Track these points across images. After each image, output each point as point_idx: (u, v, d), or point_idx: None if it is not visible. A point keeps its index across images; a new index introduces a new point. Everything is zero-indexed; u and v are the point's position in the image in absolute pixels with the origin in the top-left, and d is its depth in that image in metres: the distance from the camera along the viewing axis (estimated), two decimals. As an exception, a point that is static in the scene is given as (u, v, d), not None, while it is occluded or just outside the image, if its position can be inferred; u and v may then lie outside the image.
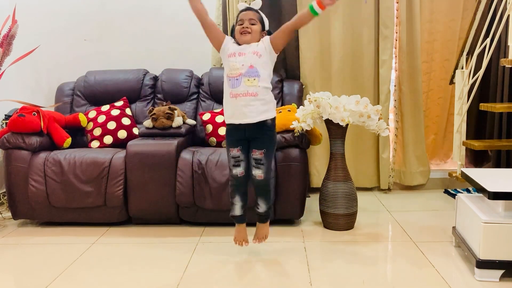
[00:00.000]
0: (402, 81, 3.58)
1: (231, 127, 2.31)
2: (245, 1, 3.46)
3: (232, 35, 2.34)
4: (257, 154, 2.28)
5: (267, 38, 2.29)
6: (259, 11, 2.32)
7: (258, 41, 2.29)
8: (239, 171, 2.32)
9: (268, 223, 2.44)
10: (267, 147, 2.29)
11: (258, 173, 2.30)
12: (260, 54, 2.24)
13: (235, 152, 2.31)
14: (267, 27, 2.33)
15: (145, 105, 3.52)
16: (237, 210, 2.39)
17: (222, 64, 3.33)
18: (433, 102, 3.72)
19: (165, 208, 2.88)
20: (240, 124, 2.26)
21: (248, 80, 2.21)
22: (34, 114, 3.00)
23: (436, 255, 2.40)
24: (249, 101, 2.21)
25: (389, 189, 3.68)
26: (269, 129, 2.30)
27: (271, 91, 2.32)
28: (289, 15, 3.45)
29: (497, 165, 3.39)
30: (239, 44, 2.29)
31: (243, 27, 2.25)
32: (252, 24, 2.26)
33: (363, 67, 3.56)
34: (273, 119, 2.32)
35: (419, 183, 3.67)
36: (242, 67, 2.22)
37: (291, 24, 2.23)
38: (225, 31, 3.53)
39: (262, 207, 2.39)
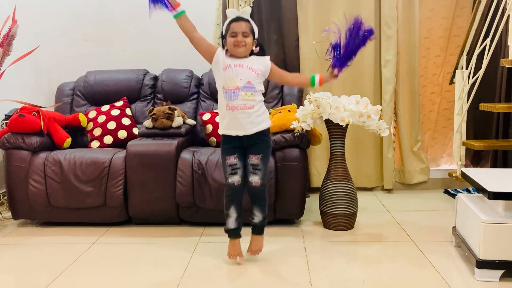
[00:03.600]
0: (400, 81, 3.58)
1: (227, 137, 2.32)
2: (241, 5, 3.44)
3: (222, 41, 2.33)
4: (254, 159, 2.31)
5: (268, 62, 2.31)
6: (250, 19, 2.29)
7: (250, 51, 2.29)
8: (235, 179, 2.31)
9: (263, 235, 2.42)
10: (264, 152, 2.32)
11: (255, 179, 2.31)
12: (257, 73, 2.27)
13: (232, 160, 2.31)
14: (256, 35, 2.32)
15: (145, 105, 3.52)
16: (232, 223, 2.37)
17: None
18: (426, 98, 3.74)
19: (165, 208, 2.88)
20: (236, 136, 2.28)
21: (246, 94, 2.23)
22: (34, 114, 3.01)
23: (436, 255, 2.40)
24: (246, 114, 2.24)
25: (392, 188, 3.69)
26: (265, 136, 2.34)
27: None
28: (289, 15, 3.46)
29: (494, 165, 3.39)
30: (232, 55, 2.29)
31: (237, 40, 2.24)
32: (245, 37, 2.25)
33: (364, 67, 3.55)
34: (268, 127, 2.36)
35: (419, 181, 3.67)
36: (240, 81, 2.23)
37: (288, 81, 2.40)
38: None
39: (257, 217, 2.38)
